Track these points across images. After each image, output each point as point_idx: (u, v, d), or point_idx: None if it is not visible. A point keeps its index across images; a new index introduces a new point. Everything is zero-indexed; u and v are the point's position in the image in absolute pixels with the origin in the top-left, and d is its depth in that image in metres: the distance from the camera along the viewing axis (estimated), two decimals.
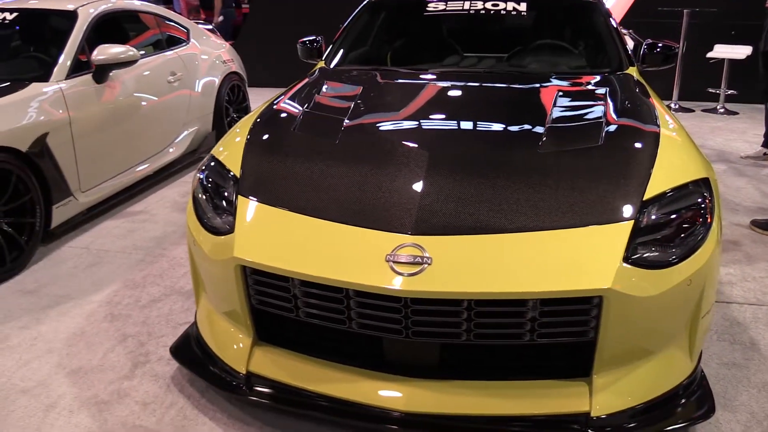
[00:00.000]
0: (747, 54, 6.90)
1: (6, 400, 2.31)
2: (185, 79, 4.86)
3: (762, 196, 4.47)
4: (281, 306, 2.05)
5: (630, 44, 3.61)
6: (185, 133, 4.90)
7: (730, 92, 7.29)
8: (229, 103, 5.55)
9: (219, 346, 2.26)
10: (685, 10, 7.31)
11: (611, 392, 1.94)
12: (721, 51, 7.17)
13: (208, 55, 5.33)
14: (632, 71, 3.15)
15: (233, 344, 2.21)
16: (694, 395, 2.05)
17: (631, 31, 6.15)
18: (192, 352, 2.34)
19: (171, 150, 4.69)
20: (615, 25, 3.51)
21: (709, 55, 7.23)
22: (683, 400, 2.02)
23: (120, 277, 3.25)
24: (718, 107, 7.39)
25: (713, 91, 7.46)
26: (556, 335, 1.89)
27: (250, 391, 2.10)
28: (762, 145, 5.44)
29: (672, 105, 7.57)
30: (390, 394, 1.97)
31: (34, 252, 3.43)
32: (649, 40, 3.46)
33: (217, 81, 5.34)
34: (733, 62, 7.15)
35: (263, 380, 2.11)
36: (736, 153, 5.61)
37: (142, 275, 3.27)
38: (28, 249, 3.34)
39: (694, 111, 7.49)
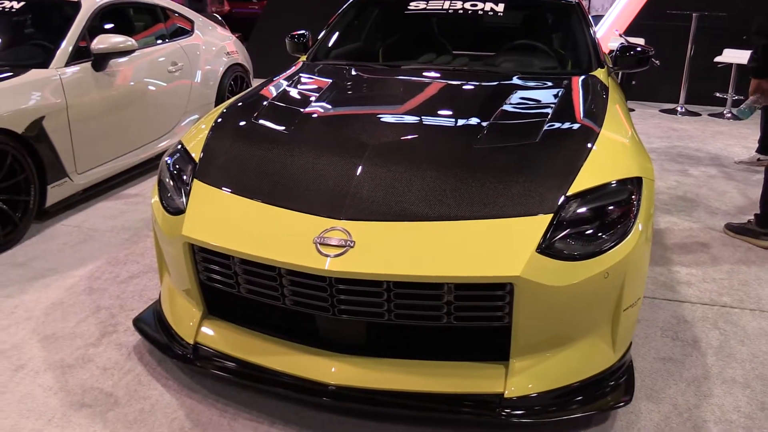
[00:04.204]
0: None
1: None
2: (186, 69, 5.05)
3: (745, 201, 4.49)
4: (225, 282, 2.21)
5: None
6: (186, 121, 5.09)
7: (737, 98, 7.25)
8: (231, 93, 5.72)
9: (175, 319, 2.43)
10: (693, 14, 7.30)
11: (526, 376, 2.05)
12: (730, 56, 7.13)
13: (211, 46, 5.51)
14: (599, 73, 3.22)
15: (186, 317, 2.38)
16: (615, 385, 2.15)
17: (621, 34, 6.17)
18: (152, 324, 2.52)
19: (170, 137, 4.88)
20: (591, 28, 3.59)
21: (717, 59, 7.21)
22: (602, 389, 2.12)
23: (104, 254, 3.45)
24: (725, 112, 7.36)
25: (721, 95, 7.43)
26: (472, 319, 2.01)
27: (196, 359, 2.26)
28: (756, 151, 5.43)
29: (679, 108, 7.55)
30: (321, 368, 2.11)
31: (28, 228, 3.64)
32: (624, 43, 3.55)
33: (220, 71, 5.52)
34: (741, 67, 7.10)
35: (208, 351, 2.27)
36: (732, 158, 5.62)
37: (125, 253, 3.47)
38: (22, 225, 3.56)
39: (700, 115, 7.47)
